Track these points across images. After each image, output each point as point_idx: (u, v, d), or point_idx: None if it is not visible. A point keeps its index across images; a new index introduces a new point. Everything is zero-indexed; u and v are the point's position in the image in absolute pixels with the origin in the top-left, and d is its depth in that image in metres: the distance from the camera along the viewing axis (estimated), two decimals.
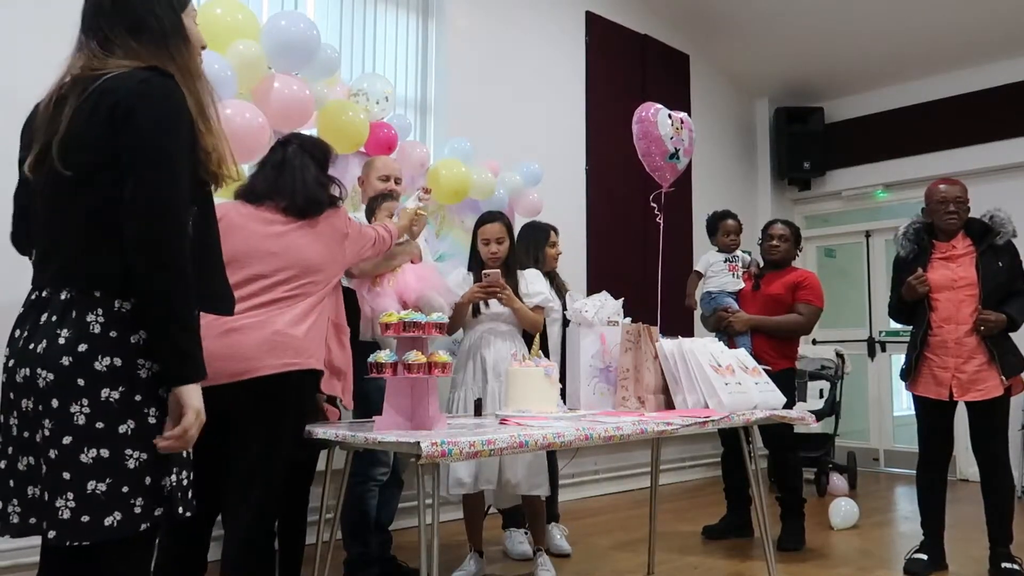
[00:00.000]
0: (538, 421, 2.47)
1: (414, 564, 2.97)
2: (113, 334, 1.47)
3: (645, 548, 3.51)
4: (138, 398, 1.49)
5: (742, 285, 4.22)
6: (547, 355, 3.50)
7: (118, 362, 1.47)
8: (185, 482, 1.57)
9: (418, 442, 1.90)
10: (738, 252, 4.30)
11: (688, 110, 6.54)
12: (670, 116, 4.12)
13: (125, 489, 1.45)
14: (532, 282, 3.44)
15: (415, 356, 2.28)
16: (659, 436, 2.59)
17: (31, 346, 1.48)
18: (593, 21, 5.90)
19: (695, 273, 4.37)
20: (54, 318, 1.48)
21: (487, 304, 3.31)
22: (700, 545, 4.10)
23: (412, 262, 3.19)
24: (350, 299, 2.92)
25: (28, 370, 1.47)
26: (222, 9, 3.32)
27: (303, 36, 3.44)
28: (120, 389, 1.46)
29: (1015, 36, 6.01)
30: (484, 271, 3.26)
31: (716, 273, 4.24)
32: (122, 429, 1.46)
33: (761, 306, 4.11)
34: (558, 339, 3.76)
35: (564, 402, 3.00)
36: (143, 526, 1.47)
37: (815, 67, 6.92)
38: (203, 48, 1.72)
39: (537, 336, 3.22)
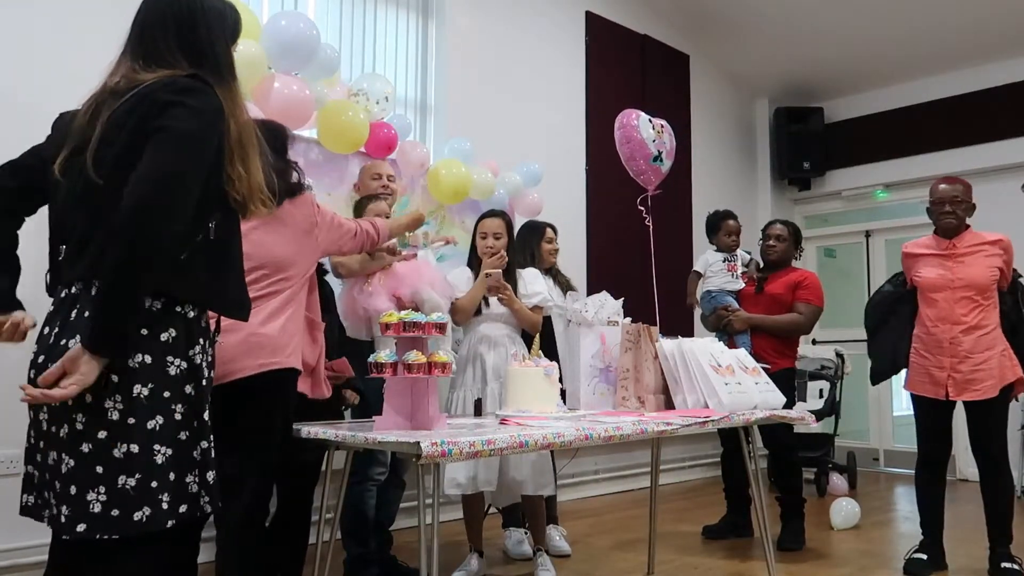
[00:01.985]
0: (538, 421, 2.47)
1: (414, 564, 2.97)
2: (144, 331, 1.49)
3: (645, 548, 3.51)
4: (167, 395, 1.51)
5: (742, 284, 4.22)
6: (550, 353, 3.49)
7: (148, 359, 1.49)
8: (211, 479, 1.58)
9: (418, 442, 1.90)
10: (738, 252, 4.30)
11: (688, 110, 6.56)
12: (651, 120, 4.15)
13: (153, 484, 1.47)
14: (531, 282, 3.44)
15: (415, 356, 2.28)
16: (659, 436, 2.59)
17: (62, 342, 1.49)
18: (593, 21, 5.90)
19: (694, 273, 4.37)
20: (86, 313, 1.48)
21: (487, 304, 3.31)
22: (700, 545, 4.10)
23: (405, 259, 3.19)
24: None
25: None
26: None
27: (303, 36, 3.44)
28: (150, 386, 1.49)
29: (1015, 36, 6.02)
30: (485, 272, 3.26)
31: (715, 273, 4.24)
32: (151, 425, 1.48)
33: (763, 306, 4.12)
34: (564, 336, 3.75)
35: (564, 402, 3.00)
36: (169, 523, 1.49)
37: (815, 67, 6.92)
38: None
39: (537, 336, 3.22)
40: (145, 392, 1.48)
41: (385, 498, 3.30)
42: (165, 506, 1.48)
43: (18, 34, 3.23)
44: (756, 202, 7.36)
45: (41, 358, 1.52)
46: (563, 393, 2.98)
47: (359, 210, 3.24)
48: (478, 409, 2.93)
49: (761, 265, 4.30)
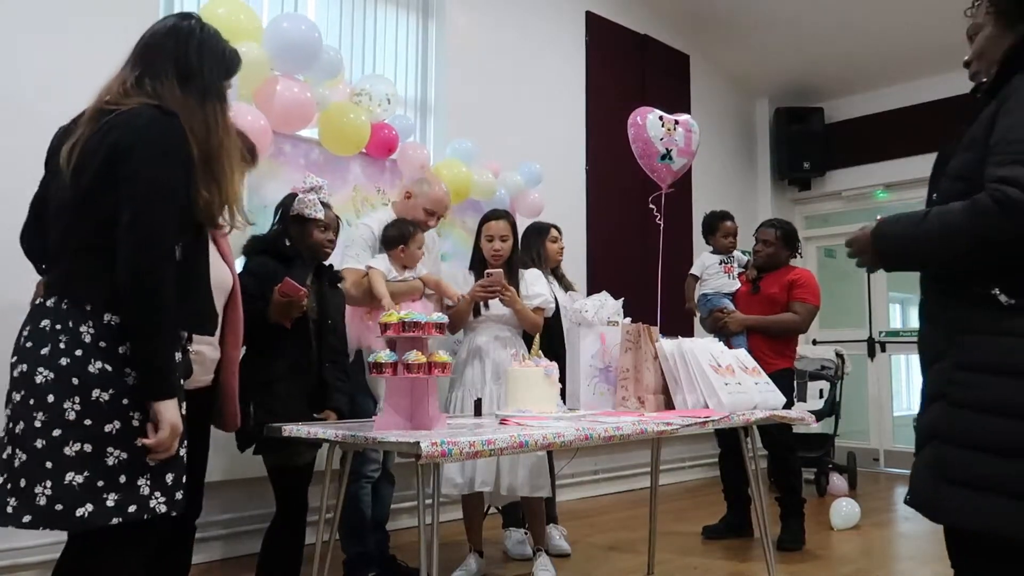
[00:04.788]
0: (538, 421, 2.47)
1: (414, 564, 2.97)
2: (103, 344, 1.60)
3: (645, 548, 3.51)
4: (125, 402, 1.60)
5: (738, 285, 4.23)
6: (554, 354, 3.46)
7: (108, 367, 1.59)
8: (170, 480, 1.66)
9: (418, 442, 1.90)
10: (735, 252, 4.30)
11: (688, 110, 6.54)
12: (661, 118, 4.14)
13: (100, 483, 1.56)
14: (533, 283, 3.44)
15: (415, 356, 2.28)
16: (659, 436, 2.59)
17: (28, 344, 1.62)
18: (593, 21, 5.90)
19: (691, 277, 4.37)
20: (58, 326, 1.61)
21: (487, 305, 3.31)
22: (700, 545, 4.10)
23: (413, 300, 3.17)
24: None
25: (27, 366, 1.60)
26: (225, 9, 3.32)
27: (305, 38, 3.44)
28: (110, 391, 1.58)
29: None
30: (487, 271, 3.25)
31: (712, 275, 4.25)
32: (108, 428, 1.58)
33: (759, 307, 4.12)
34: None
35: (564, 402, 3.00)
36: (114, 520, 1.57)
37: (815, 67, 6.92)
38: None
39: (537, 336, 3.22)
40: (105, 397, 1.58)
41: (379, 495, 3.30)
42: (111, 504, 1.56)
43: (23, 34, 3.23)
44: (756, 202, 7.36)
45: (14, 359, 1.64)
46: (563, 393, 2.98)
47: (403, 235, 3.21)
48: (478, 409, 2.93)
49: (756, 271, 4.31)
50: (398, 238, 3.22)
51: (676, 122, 4.19)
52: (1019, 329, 1.43)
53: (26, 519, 1.53)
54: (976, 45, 1.67)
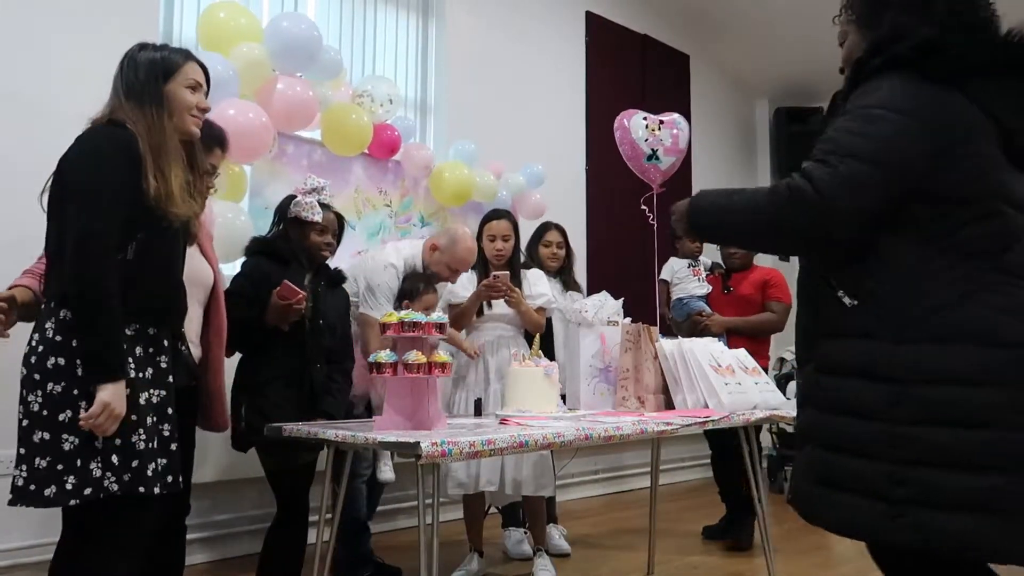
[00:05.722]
0: (538, 421, 2.47)
1: (414, 564, 2.97)
2: (59, 338, 1.79)
3: (645, 548, 3.51)
4: (75, 392, 1.78)
5: (709, 288, 4.27)
6: (549, 354, 3.47)
7: (61, 361, 1.78)
8: (118, 463, 1.79)
9: (418, 442, 1.90)
10: (700, 257, 4.33)
11: (688, 110, 6.56)
12: (645, 119, 4.14)
13: (60, 467, 1.76)
14: (535, 283, 3.44)
15: (415, 356, 2.28)
16: (659, 436, 2.59)
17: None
18: (593, 21, 5.91)
19: (662, 282, 4.37)
20: (36, 326, 1.84)
21: (490, 305, 3.31)
22: (700, 545, 4.10)
23: None
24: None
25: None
26: (225, 13, 3.35)
27: (305, 37, 3.45)
28: (61, 384, 1.77)
29: None
30: (493, 273, 3.24)
31: (683, 279, 4.27)
32: (61, 417, 1.77)
33: (734, 307, 4.16)
34: (563, 338, 3.74)
35: (564, 402, 3.00)
36: (72, 501, 1.76)
37: (815, 67, 6.87)
38: (204, 110, 2.03)
39: (537, 336, 3.22)
40: (57, 389, 1.77)
41: (370, 494, 3.30)
42: (69, 487, 1.75)
43: (25, 35, 3.22)
44: None
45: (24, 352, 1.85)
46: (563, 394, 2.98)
47: (414, 291, 3.10)
48: (478, 409, 2.93)
49: (724, 267, 4.34)
50: (411, 292, 3.12)
51: (661, 122, 4.18)
52: (861, 329, 1.46)
53: (9, 497, 1.77)
54: (844, 51, 1.72)
